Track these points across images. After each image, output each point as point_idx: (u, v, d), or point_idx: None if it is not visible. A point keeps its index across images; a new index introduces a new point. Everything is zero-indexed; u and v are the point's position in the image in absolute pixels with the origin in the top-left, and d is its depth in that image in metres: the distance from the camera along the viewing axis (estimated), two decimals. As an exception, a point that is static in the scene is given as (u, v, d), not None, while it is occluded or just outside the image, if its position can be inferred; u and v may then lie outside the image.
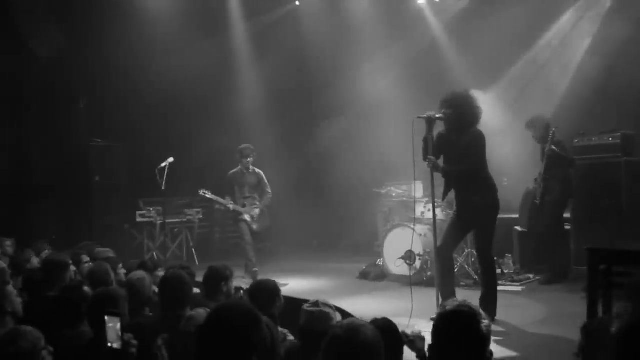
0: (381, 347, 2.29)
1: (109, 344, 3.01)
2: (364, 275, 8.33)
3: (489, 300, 5.68)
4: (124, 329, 3.00)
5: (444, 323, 2.33)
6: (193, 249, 10.59)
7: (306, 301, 3.50)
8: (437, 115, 5.52)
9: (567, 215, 7.54)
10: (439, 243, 5.66)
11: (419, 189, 8.23)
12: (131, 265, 5.61)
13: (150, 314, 4.29)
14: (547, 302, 6.36)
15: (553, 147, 7.10)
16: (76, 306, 3.71)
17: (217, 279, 4.56)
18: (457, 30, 10.08)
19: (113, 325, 3.01)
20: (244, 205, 8.22)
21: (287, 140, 11.27)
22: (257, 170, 8.37)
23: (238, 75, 11.54)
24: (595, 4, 8.94)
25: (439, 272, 5.58)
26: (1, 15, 9.36)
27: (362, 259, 9.13)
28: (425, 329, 2.41)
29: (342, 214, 11.23)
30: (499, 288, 5.99)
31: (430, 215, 6.23)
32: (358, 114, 10.93)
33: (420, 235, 7.66)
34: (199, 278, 4.98)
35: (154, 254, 10.19)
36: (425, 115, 5.46)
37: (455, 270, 6.87)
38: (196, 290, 4.78)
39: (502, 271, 7.65)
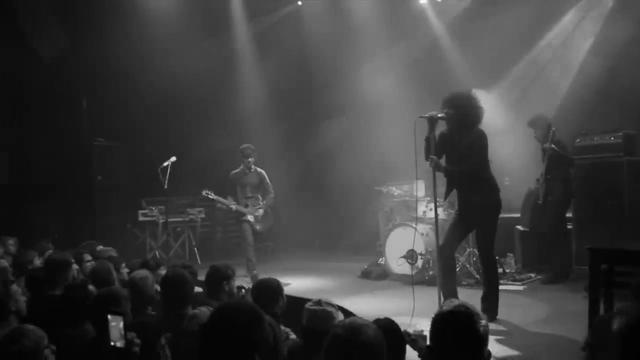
0: (383, 347, 2.29)
1: (112, 343, 3.01)
2: (365, 275, 8.34)
3: (491, 300, 5.70)
4: (127, 327, 3.01)
5: (441, 323, 2.34)
6: (195, 248, 10.61)
7: (309, 300, 3.51)
8: (439, 115, 5.51)
9: (568, 214, 7.54)
10: (440, 242, 5.65)
11: (420, 188, 8.24)
12: (133, 264, 5.63)
13: (153, 313, 4.30)
14: (548, 301, 6.37)
15: (553, 146, 7.11)
16: (79, 305, 3.72)
17: (219, 277, 4.57)
18: (459, 30, 10.07)
19: (116, 324, 3.02)
20: (246, 206, 8.23)
21: (288, 140, 11.29)
22: (259, 169, 8.37)
23: (239, 75, 11.55)
24: (597, 4, 8.93)
25: (441, 271, 5.59)
26: (4, 16, 9.39)
27: (363, 258, 9.15)
28: (427, 328, 2.42)
29: (343, 214, 11.24)
30: (501, 287, 5.99)
31: (432, 214, 6.25)
32: (359, 114, 10.94)
33: (422, 234, 7.67)
34: (201, 277, 4.99)
35: (156, 252, 10.22)
36: (427, 115, 5.46)
37: (457, 269, 6.87)
38: (198, 289, 4.80)
39: (504, 270, 7.66)
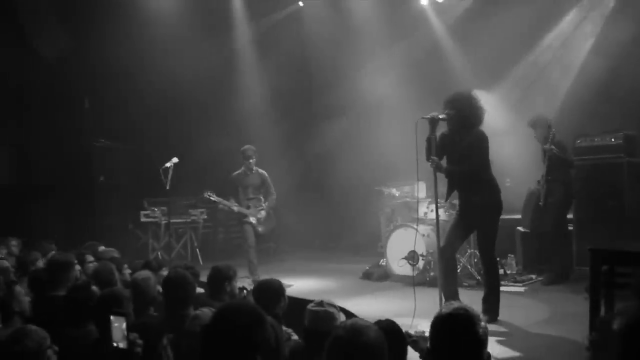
0: (384, 348, 2.30)
1: (115, 344, 3.02)
2: (367, 276, 8.34)
3: (492, 301, 5.71)
4: (129, 328, 3.02)
5: (440, 326, 2.35)
6: (197, 249, 10.63)
7: (310, 301, 3.52)
8: (440, 116, 5.52)
9: (569, 216, 7.54)
10: (441, 243, 5.67)
11: (421, 190, 8.24)
12: (136, 265, 5.64)
13: (155, 314, 4.32)
14: (549, 302, 6.37)
15: (553, 148, 7.11)
16: (82, 306, 3.73)
17: (220, 278, 4.58)
18: (460, 30, 10.06)
19: (119, 325, 3.03)
20: (248, 207, 8.22)
21: (289, 140, 11.29)
22: (260, 170, 8.36)
23: (240, 76, 11.56)
24: (598, 4, 8.93)
25: (442, 272, 5.60)
26: (5, 15, 9.41)
27: (364, 259, 9.15)
28: (428, 329, 2.44)
29: (344, 214, 11.25)
30: (502, 288, 6.01)
31: (433, 215, 6.26)
32: (359, 114, 10.94)
33: (423, 235, 7.68)
34: (203, 278, 5.01)
35: (159, 253, 10.23)
36: (428, 116, 5.47)
37: (458, 270, 6.87)
38: (200, 290, 4.82)
39: (505, 271, 7.67)
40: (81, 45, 9.99)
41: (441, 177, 5.78)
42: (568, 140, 7.48)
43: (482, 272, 6.47)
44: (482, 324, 2.33)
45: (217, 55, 10.87)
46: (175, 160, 8.16)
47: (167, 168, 8.08)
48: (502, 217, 5.86)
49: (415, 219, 7.49)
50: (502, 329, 5.41)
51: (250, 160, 8.18)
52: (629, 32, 8.06)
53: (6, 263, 5.73)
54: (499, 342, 4.97)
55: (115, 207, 10.40)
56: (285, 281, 5.27)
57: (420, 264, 7.67)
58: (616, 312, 2.29)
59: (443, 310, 2.41)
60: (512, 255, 8.04)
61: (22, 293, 4.03)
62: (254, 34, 11.47)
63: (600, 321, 2.32)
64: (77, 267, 5.12)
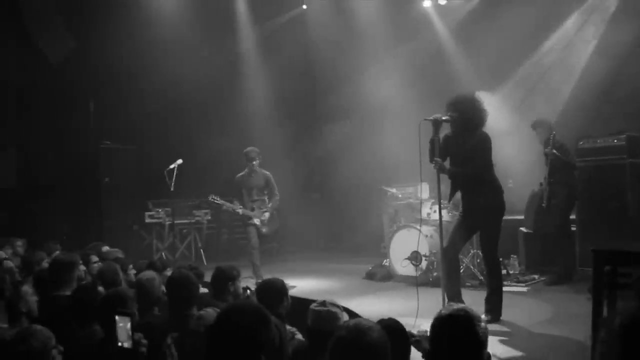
0: (387, 348, 2.31)
1: (120, 343, 3.04)
2: (370, 276, 8.36)
3: (495, 301, 5.71)
4: (134, 328, 3.04)
5: (440, 327, 2.36)
6: (201, 250, 10.67)
7: (314, 301, 3.54)
8: (444, 118, 5.54)
9: (572, 216, 7.55)
10: (444, 244, 5.69)
11: (425, 191, 8.26)
12: (140, 265, 5.66)
13: (159, 314, 4.34)
14: (552, 302, 6.37)
15: (554, 151, 7.12)
16: (87, 306, 3.76)
17: (224, 279, 4.61)
18: (463, 32, 10.08)
19: (123, 325, 3.05)
20: (252, 209, 8.22)
21: (293, 142, 11.32)
22: (264, 171, 8.36)
23: (244, 79, 11.59)
24: (600, 7, 8.95)
25: (445, 272, 5.61)
26: (11, 17, 9.45)
27: (367, 259, 9.16)
28: (431, 329, 2.46)
29: (347, 215, 11.27)
30: (505, 289, 6.01)
31: (436, 216, 6.27)
32: (363, 117, 10.97)
33: (426, 236, 7.70)
34: (207, 278, 5.03)
35: (163, 254, 10.28)
36: (432, 118, 5.49)
37: (461, 270, 6.90)
38: (204, 290, 4.84)
39: (508, 272, 7.67)
40: (87, 48, 10.04)
41: (444, 178, 5.80)
42: (571, 141, 7.49)
43: (484, 272, 6.47)
44: (482, 325, 2.34)
45: (222, 58, 10.91)
46: (179, 162, 8.20)
47: (172, 170, 8.12)
48: (505, 217, 5.87)
49: (419, 219, 7.51)
50: (504, 329, 5.41)
51: (254, 162, 8.18)
52: (631, 34, 8.08)
53: (10, 263, 5.77)
54: (502, 342, 4.98)
55: (119, 208, 10.43)
56: (288, 281, 5.30)
57: (423, 264, 7.69)
58: (616, 312, 2.30)
59: (443, 311, 2.42)
60: (515, 256, 8.03)
61: (29, 293, 4.04)
62: (257, 37, 11.50)
63: (600, 323, 2.34)
64: (82, 267, 5.14)
